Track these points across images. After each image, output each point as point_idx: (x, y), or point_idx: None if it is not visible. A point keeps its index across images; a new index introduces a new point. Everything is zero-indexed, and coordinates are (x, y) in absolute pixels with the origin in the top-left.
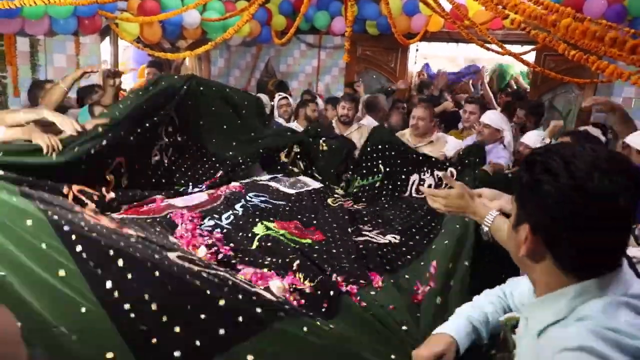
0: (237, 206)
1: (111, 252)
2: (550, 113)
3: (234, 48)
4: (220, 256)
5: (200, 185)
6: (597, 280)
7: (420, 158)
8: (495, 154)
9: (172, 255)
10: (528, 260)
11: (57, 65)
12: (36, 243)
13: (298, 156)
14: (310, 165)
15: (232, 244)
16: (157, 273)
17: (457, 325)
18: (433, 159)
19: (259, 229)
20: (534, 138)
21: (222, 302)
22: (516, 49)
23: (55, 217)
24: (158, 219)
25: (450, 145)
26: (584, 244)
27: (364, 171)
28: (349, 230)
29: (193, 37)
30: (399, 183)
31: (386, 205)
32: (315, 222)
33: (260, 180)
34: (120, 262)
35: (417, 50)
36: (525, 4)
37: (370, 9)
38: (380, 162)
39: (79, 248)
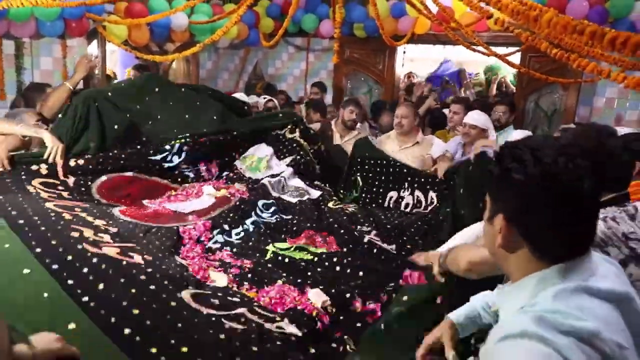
0: (248, 222)
1: (124, 303)
2: (536, 113)
3: (222, 51)
4: (239, 282)
5: (191, 167)
6: (559, 267)
7: (404, 171)
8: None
9: (186, 296)
10: (504, 251)
11: (44, 68)
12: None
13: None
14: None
15: (245, 263)
16: (179, 325)
17: (460, 310)
18: (416, 177)
19: (271, 248)
20: (519, 137)
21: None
22: (502, 50)
23: (55, 266)
24: (164, 231)
25: (436, 147)
26: (554, 230)
27: (344, 184)
28: (356, 233)
29: (181, 39)
30: (375, 197)
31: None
32: (326, 226)
33: (267, 186)
34: (136, 311)
35: (404, 52)
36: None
37: (358, 11)
38: (359, 176)
39: (85, 299)
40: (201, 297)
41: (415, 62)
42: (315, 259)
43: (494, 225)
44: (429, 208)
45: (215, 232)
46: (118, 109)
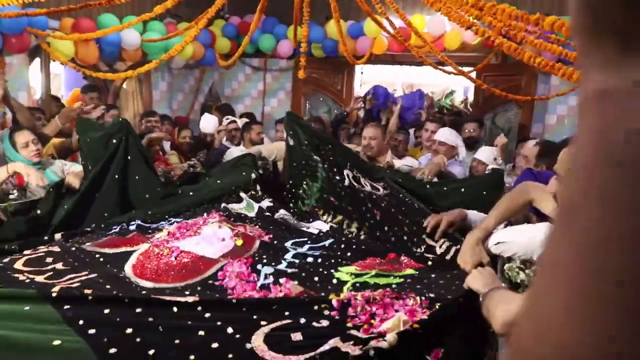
0: (288, 256)
1: None
2: (492, 131)
3: (176, 71)
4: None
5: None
6: None
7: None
8: (452, 171)
9: (258, 344)
10: None
11: None
12: None
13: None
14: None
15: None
16: None
17: None
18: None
19: (343, 276)
20: (487, 153)
21: None
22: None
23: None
24: (198, 287)
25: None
26: None
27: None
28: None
29: (133, 58)
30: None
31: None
32: (384, 248)
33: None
34: None
35: (362, 73)
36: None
37: (316, 31)
38: (319, 164)
39: None
40: (276, 338)
41: (372, 83)
42: (409, 280)
43: None
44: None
45: (260, 266)
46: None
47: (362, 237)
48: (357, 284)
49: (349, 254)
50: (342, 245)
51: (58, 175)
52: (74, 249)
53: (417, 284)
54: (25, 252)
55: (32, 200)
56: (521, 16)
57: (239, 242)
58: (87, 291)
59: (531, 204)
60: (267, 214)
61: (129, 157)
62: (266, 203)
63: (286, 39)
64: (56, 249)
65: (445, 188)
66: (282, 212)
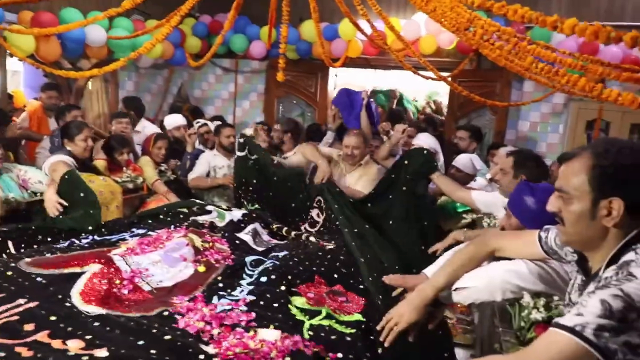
0: (244, 282)
1: None
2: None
3: (143, 71)
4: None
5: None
6: None
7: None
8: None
9: None
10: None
11: None
12: None
13: None
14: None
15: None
16: None
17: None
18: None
19: (298, 314)
20: (465, 161)
21: None
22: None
23: None
24: (158, 325)
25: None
26: None
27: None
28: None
29: (98, 56)
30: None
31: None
32: (336, 275)
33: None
34: None
35: (335, 76)
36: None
37: (290, 33)
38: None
39: None
40: None
41: (346, 86)
42: (355, 331)
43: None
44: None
45: (216, 299)
46: None
47: (311, 246)
48: (314, 326)
49: (301, 268)
50: (295, 260)
51: (15, 182)
52: (9, 272)
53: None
54: None
55: None
56: (536, 18)
57: (201, 268)
58: (27, 328)
59: (493, 255)
60: (238, 225)
61: None
62: (238, 215)
63: (259, 39)
64: None
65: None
66: (250, 227)
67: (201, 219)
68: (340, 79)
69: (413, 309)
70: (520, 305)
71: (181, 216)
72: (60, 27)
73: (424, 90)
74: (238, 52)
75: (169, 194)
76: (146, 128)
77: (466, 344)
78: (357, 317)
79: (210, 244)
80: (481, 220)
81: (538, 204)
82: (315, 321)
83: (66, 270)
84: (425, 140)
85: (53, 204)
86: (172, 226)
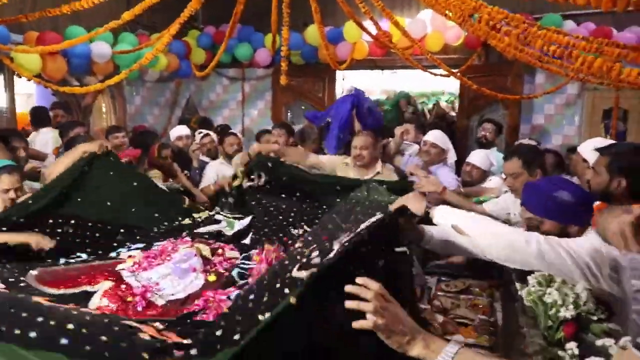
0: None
1: None
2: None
3: (150, 84)
4: None
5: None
6: None
7: None
8: (443, 179)
9: None
10: None
11: None
12: None
13: None
14: None
15: None
16: None
17: None
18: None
19: None
20: (480, 156)
21: None
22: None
23: None
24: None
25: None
26: None
27: None
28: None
29: (104, 72)
30: None
31: None
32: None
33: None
34: None
35: (343, 79)
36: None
37: (294, 38)
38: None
39: None
40: None
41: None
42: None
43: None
44: None
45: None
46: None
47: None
48: None
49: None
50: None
51: None
52: (21, 294)
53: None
54: None
55: None
56: None
57: (212, 277)
58: None
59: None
60: (245, 231)
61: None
62: (246, 222)
63: (263, 47)
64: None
65: None
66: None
67: (206, 230)
68: (347, 82)
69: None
70: (545, 304)
71: (186, 230)
72: (64, 43)
73: (430, 90)
74: (243, 60)
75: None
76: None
77: (488, 345)
78: None
79: (221, 251)
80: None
81: (576, 196)
82: None
83: (77, 290)
84: (437, 137)
85: None
86: (178, 239)
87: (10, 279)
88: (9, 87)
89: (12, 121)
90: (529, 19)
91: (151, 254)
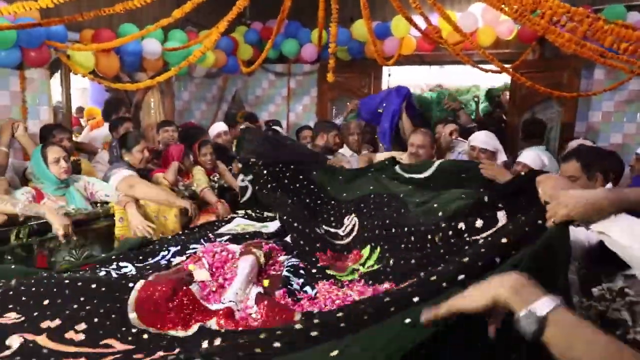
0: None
1: None
2: None
3: (198, 80)
4: None
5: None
6: None
7: None
8: None
9: None
10: None
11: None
12: None
13: None
14: None
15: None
16: None
17: None
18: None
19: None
20: (532, 156)
21: None
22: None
23: None
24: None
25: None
26: None
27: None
28: None
29: (154, 68)
30: None
31: None
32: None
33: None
34: None
35: (389, 75)
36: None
37: (341, 33)
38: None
39: None
40: None
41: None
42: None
43: None
44: None
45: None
46: None
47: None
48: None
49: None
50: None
51: (81, 194)
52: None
53: None
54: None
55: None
56: None
57: (266, 282)
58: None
59: None
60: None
61: None
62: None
63: (310, 43)
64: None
65: None
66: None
67: (252, 227)
68: (393, 78)
69: (585, 202)
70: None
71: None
72: (116, 41)
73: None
74: (290, 56)
75: (219, 203)
76: None
77: None
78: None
79: (273, 254)
80: None
81: None
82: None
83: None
84: (484, 140)
85: (144, 227)
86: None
87: None
88: (65, 83)
89: (67, 116)
90: (590, 11)
91: (215, 263)
